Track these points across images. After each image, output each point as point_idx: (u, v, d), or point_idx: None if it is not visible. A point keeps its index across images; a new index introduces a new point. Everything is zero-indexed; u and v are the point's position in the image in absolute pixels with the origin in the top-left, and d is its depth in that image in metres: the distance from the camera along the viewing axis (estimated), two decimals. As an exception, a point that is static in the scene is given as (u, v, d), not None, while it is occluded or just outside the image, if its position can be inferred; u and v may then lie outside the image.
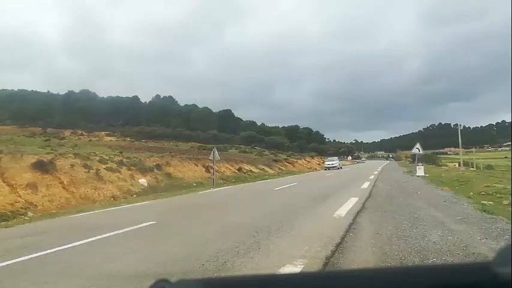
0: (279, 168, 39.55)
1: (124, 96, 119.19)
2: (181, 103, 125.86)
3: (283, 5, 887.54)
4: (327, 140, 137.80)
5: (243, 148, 64.11)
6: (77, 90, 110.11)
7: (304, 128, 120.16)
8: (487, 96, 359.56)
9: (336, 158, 50.87)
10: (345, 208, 8.25)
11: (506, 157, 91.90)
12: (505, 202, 8.26)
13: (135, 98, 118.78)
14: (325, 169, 42.99)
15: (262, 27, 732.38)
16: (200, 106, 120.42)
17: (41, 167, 14.11)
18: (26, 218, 10.29)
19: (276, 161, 43.94)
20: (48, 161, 15.02)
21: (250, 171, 31.37)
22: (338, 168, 42.23)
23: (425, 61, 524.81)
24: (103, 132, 75.36)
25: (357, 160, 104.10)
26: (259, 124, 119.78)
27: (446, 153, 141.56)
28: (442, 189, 12.65)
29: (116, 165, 18.22)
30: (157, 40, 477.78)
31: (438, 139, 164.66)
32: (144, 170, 19.32)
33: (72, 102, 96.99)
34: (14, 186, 12.40)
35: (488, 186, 12.03)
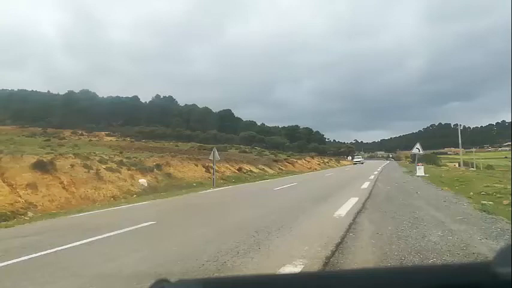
0: (279, 168, 39.55)
1: (124, 96, 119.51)
2: (181, 103, 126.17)
3: (284, 3, 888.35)
4: (327, 140, 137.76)
5: (243, 148, 64.07)
6: (77, 90, 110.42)
7: (304, 128, 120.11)
8: (488, 95, 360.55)
9: (360, 156, 77.41)
10: (345, 208, 8.25)
11: (506, 157, 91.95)
12: (505, 202, 8.26)
13: (135, 98, 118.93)
14: (354, 163, 61.39)
15: (263, 25, 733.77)
16: (200, 106, 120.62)
17: (41, 167, 14.11)
18: (26, 218, 10.29)
19: (276, 161, 43.91)
20: (48, 161, 15.02)
21: (250, 171, 31.36)
22: (362, 163, 59.46)
23: (426, 60, 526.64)
24: (103, 132, 75.42)
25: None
26: (259, 124, 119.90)
27: (446, 153, 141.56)
28: (442, 189, 12.64)
29: (115, 165, 18.22)
30: (158, 39, 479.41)
31: (438, 139, 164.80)
32: (144, 170, 19.32)
33: (72, 102, 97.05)
34: (14, 186, 12.40)
35: (488, 186, 12.02)
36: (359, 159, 69.65)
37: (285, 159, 48.88)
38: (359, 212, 7.65)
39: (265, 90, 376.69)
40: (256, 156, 45.48)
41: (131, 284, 3.71)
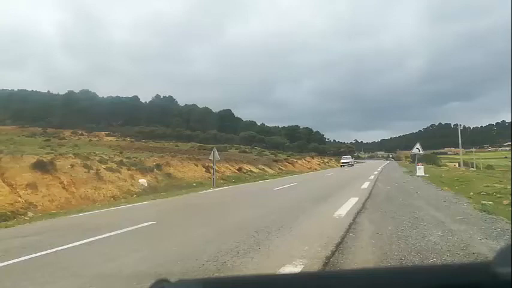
0: (279, 168, 39.56)
1: (124, 96, 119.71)
2: (181, 103, 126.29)
3: (284, 3, 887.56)
4: (327, 140, 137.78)
5: (243, 148, 64.12)
6: (77, 90, 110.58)
7: (304, 128, 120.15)
8: (488, 95, 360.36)
9: (349, 156, 61.03)
10: (345, 208, 8.24)
11: (506, 157, 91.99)
12: (505, 202, 8.25)
13: (135, 98, 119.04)
14: (341, 166, 51.57)
15: (263, 25, 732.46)
16: (200, 106, 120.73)
17: (41, 167, 14.11)
18: (26, 218, 10.30)
19: (276, 161, 43.95)
20: (48, 161, 15.03)
21: (250, 171, 31.38)
22: (351, 165, 51.06)
23: (426, 60, 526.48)
24: (103, 132, 75.47)
25: (357, 160, 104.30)
26: (259, 124, 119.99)
27: (446, 153, 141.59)
28: (442, 189, 12.64)
29: (115, 165, 18.22)
30: (158, 39, 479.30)
31: (438, 139, 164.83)
32: (144, 170, 19.33)
33: (72, 102, 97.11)
34: (14, 186, 12.40)
35: (488, 186, 12.01)
36: (347, 161, 53.77)
37: (285, 159, 48.94)
38: (359, 212, 7.64)
39: (265, 90, 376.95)
40: (256, 156, 45.51)
41: (131, 284, 3.71)
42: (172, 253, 4.88)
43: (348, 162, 52.95)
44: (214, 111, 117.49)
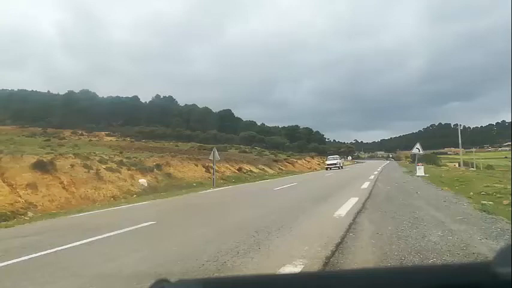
0: (279, 168, 39.58)
1: (124, 96, 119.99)
2: (181, 103, 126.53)
3: (284, 3, 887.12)
4: (327, 140, 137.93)
5: (243, 148, 64.16)
6: (77, 90, 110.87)
7: (304, 128, 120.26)
8: (488, 95, 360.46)
9: (337, 156, 47.73)
10: (345, 208, 8.24)
11: (506, 157, 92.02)
12: (505, 202, 8.25)
13: (135, 98, 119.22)
14: (326, 169, 41.36)
15: (263, 25, 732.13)
16: (200, 106, 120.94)
17: (41, 167, 14.11)
18: (26, 218, 10.30)
19: (276, 161, 43.98)
20: (48, 161, 15.03)
21: (250, 171, 31.39)
22: (339, 168, 41.42)
23: (426, 60, 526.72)
24: (103, 132, 75.53)
25: (357, 160, 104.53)
26: (259, 124, 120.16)
27: (446, 153, 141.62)
28: (442, 189, 12.63)
29: (115, 165, 18.22)
30: (158, 39, 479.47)
31: (438, 139, 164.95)
32: (144, 170, 19.33)
33: (72, 102, 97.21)
34: (14, 186, 12.41)
35: (488, 186, 12.00)
36: (334, 162, 42.36)
37: (285, 159, 48.98)
38: (359, 212, 7.64)
39: (265, 90, 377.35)
40: (256, 156, 45.53)
41: (131, 284, 3.71)
42: (172, 253, 4.88)
43: (335, 164, 41.95)
44: (214, 111, 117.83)
